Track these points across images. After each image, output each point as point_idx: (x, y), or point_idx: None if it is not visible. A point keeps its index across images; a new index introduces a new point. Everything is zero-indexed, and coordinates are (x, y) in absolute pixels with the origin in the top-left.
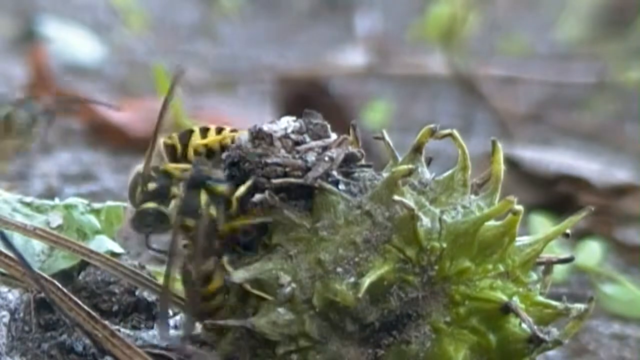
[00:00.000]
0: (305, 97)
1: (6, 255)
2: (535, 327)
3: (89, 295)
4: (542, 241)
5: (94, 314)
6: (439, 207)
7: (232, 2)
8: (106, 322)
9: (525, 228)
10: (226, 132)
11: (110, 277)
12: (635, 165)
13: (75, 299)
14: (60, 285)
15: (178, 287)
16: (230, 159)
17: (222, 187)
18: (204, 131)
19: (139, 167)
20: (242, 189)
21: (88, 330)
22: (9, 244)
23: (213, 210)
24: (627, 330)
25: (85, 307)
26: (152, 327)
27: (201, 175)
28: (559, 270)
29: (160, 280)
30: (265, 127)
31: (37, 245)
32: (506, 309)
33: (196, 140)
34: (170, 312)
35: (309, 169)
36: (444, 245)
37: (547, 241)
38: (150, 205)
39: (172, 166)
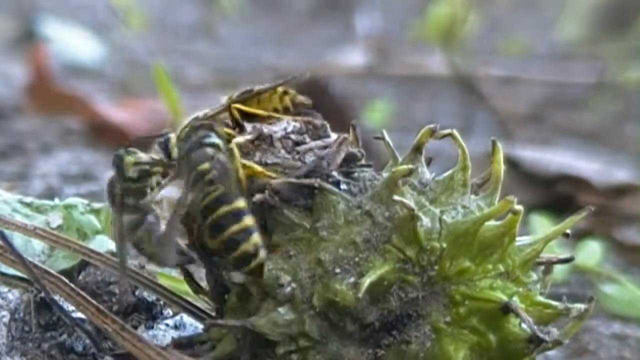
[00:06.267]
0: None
1: (11, 253)
2: (535, 327)
3: (89, 295)
4: (542, 241)
5: (102, 308)
6: (439, 207)
7: (232, 2)
8: (115, 317)
9: (525, 228)
10: None
11: (110, 277)
12: (635, 165)
13: (84, 294)
14: (67, 281)
15: (179, 287)
16: None
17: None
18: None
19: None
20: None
21: (97, 325)
22: (9, 245)
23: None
24: (627, 330)
25: (94, 302)
26: (152, 327)
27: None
28: (559, 270)
29: (161, 281)
30: (266, 128)
31: (37, 245)
32: (506, 309)
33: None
34: (170, 312)
35: (309, 169)
36: (444, 245)
37: (547, 241)
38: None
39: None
